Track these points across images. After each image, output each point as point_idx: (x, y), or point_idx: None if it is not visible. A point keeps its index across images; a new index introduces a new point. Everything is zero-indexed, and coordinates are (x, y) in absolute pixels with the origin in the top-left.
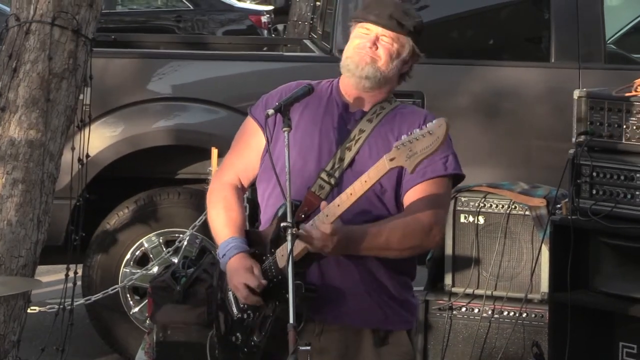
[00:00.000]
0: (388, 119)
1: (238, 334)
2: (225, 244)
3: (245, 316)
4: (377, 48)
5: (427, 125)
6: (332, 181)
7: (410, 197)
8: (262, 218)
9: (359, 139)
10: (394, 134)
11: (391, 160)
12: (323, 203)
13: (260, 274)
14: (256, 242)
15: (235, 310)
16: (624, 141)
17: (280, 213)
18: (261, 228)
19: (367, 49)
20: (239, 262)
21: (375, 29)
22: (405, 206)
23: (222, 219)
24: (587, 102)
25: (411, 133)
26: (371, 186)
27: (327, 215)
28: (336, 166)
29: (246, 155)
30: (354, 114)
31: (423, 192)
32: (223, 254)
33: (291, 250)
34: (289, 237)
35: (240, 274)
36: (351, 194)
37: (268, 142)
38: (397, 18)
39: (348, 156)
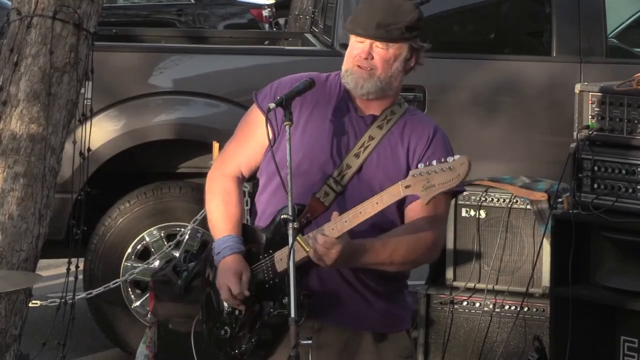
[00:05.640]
0: (398, 127)
1: (227, 328)
2: (221, 242)
3: (236, 312)
4: (372, 57)
5: (448, 159)
6: (338, 189)
7: (413, 210)
8: (259, 209)
9: (367, 146)
10: (404, 145)
11: (406, 187)
12: (335, 214)
13: (248, 282)
14: (252, 238)
15: (225, 304)
16: (625, 135)
17: (278, 219)
18: (257, 221)
19: (362, 60)
20: (230, 264)
21: (367, 39)
22: (407, 218)
23: (221, 213)
24: (588, 96)
25: (429, 164)
26: (382, 209)
27: (332, 229)
28: (343, 173)
29: (250, 146)
30: (364, 118)
31: (427, 207)
32: (218, 251)
33: (292, 244)
34: (290, 232)
35: (227, 276)
36: (360, 213)
37: (275, 137)
38: (386, 24)
39: (356, 163)
